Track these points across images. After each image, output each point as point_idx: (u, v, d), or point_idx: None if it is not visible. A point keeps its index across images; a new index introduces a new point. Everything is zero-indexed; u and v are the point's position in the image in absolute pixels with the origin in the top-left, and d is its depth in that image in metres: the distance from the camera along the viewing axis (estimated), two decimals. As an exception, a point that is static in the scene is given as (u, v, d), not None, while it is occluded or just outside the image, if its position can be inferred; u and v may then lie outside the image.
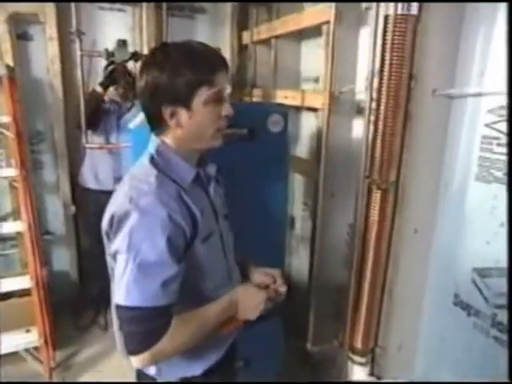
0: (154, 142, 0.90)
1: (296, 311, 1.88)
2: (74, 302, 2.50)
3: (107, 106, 2.19)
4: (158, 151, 0.88)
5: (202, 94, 0.82)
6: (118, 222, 0.80)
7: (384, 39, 1.32)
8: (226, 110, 0.87)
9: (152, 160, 0.87)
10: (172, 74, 0.81)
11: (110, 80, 2.12)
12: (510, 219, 1.18)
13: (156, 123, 0.88)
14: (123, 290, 0.77)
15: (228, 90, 0.87)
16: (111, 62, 2.11)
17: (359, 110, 1.80)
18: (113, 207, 0.83)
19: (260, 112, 1.55)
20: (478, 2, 1.25)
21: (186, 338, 0.84)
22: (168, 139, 0.88)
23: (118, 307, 0.79)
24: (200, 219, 0.85)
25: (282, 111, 1.58)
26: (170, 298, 0.80)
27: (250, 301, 0.92)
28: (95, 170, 2.29)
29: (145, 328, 0.78)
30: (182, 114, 0.83)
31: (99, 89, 2.13)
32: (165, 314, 0.80)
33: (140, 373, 0.96)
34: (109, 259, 0.89)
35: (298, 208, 2.42)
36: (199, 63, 0.82)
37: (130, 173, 0.90)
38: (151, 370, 0.92)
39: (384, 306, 1.52)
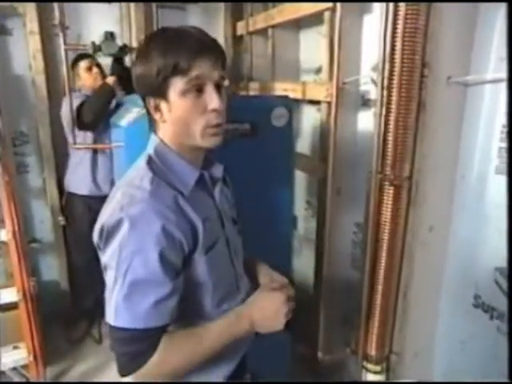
0: (152, 141, 0.82)
1: (303, 317, 1.78)
2: (65, 314, 2.38)
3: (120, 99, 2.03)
4: (156, 151, 0.79)
5: (177, 84, 0.72)
6: (107, 233, 0.72)
7: (395, 24, 1.25)
8: (213, 102, 0.74)
9: (149, 161, 0.78)
10: (145, 62, 0.74)
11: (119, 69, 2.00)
12: (510, 218, 1.13)
13: (149, 118, 0.81)
14: (112, 310, 0.71)
15: (215, 78, 0.75)
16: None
17: (364, 102, 1.72)
18: (104, 216, 0.74)
19: (263, 105, 1.45)
20: (479, 2, 1.21)
21: (181, 359, 0.75)
22: (163, 137, 0.80)
23: (109, 326, 0.73)
24: (201, 229, 0.76)
25: (286, 104, 1.48)
26: (164, 319, 0.73)
27: (268, 307, 0.80)
28: (89, 174, 2.14)
29: (133, 349, 0.72)
30: (163, 106, 0.76)
31: (111, 80, 1.99)
32: (156, 334, 0.73)
33: None
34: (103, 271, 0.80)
35: (300, 207, 2.33)
36: (172, 48, 0.72)
37: (125, 176, 0.81)
38: None
39: (399, 310, 1.46)
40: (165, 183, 0.75)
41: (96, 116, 1.95)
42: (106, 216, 0.73)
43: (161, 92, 0.74)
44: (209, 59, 0.73)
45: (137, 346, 0.71)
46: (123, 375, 0.73)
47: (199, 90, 0.74)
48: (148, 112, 0.80)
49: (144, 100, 0.78)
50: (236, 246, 0.92)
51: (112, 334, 0.73)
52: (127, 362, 0.72)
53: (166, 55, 0.71)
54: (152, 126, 0.82)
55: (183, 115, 0.74)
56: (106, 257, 0.73)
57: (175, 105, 0.74)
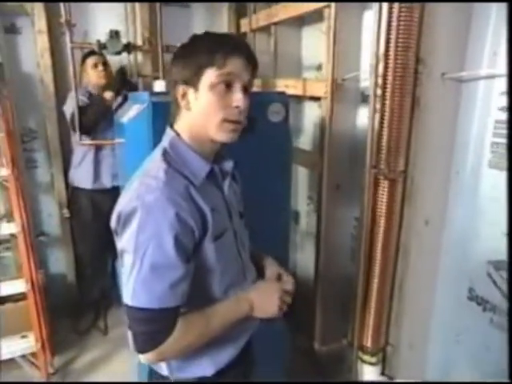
0: (168, 135, 0.88)
1: (302, 309, 1.81)
2: (72, 305, 2.43)
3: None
4: (172, 144, 0.85)
5: (209, 75, 0.79)
6: (124, 220, 0.78)
7: (389, 20, 1.26)
8: (237, 100, 0.80)
9: (164, 154, 0.84)
10: (188, 53, 0.82)
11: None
12: (510, 216, 1.13)
13: (174, 106, 0.87)
14: (130, 291, 0.77)
15: (244, 80, 0.81)
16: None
17: (364, 98, 1.74)
18: (121, 204, 0.80)
19: (259, 101, 1.47)
20: (477, 1, 1.21)
21: (193, 338, 0.82)
22: (181, 129, 0.86)
23: (126, 306, 0.79)
24: (210, 217, 0.81)
25: (283, 99, 1.50)
26: (178, 300, 0.78)
27: (264, 294, 0.90)
28: (92, 169, 2.21)
29: (151, 329, 0.78)
30: (191, 94, 0.82)
31: (109, 96, 2.07)
32: (172, 315, 0.79)
33: (152, 372, 0.94)
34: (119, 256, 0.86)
35: (302, 202, 2.35)
36: (213, 44, 0.80)
37: (142, 168, 0.86)
38: (163, 370, 0.90)
39: (394, 303, 1.48)
40: (178, 174, 0.81)
41: (91, 127, 2.07)
42: (123, 203, 0.79)
43: (192, 80, 0.80)
44: (242, 59, 0.80)
45: (154, 326, 0.77)
46: (140, 352, 0.79)
47: (228, 86, 0.80)
48: (173, 99, 0.85)
49: (171, 88, 0.84)
50: (243, 239, 0.97)
51: (129, 314, 0.78)
52: (146, 341, 0.78)
53: (207, 48, 0.79)
54: (172, 117, 0.87)
55: (207, 105, 0.80)
56: (123, 242, 0.78)
57: (203, 95, 0.80)
